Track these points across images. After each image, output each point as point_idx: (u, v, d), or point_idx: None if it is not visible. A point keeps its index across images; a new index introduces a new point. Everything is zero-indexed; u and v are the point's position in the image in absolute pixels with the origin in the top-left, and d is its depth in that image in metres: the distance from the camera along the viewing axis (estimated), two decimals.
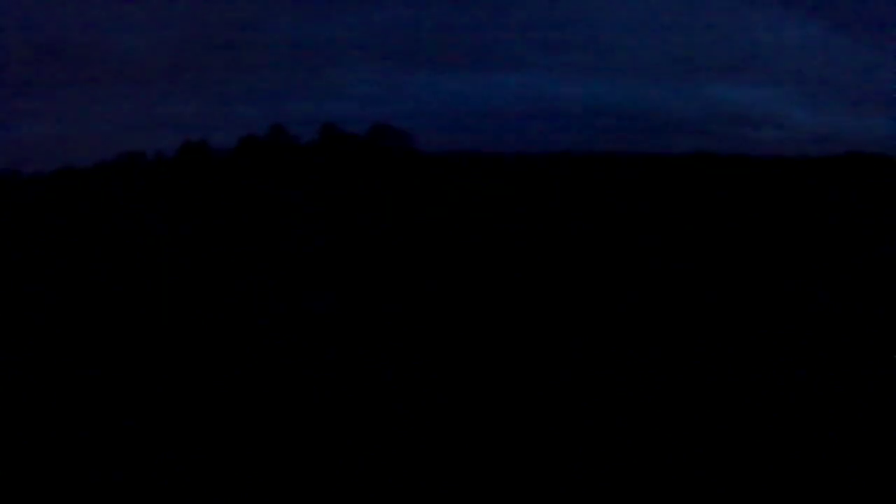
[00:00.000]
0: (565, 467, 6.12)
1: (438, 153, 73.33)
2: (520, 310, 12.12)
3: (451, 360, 9.32)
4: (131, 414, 7.31)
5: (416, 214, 31.51)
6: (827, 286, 13.82)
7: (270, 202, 42.73)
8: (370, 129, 67.47)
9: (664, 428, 6.98)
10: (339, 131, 66.05)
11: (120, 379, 8.52)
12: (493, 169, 72.69)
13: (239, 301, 13.04)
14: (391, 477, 5.96)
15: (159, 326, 11.26)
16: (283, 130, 65.97)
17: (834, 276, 14.95)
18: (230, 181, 52.98)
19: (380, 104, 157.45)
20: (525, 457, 6.32)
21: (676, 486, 5.82)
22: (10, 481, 5.92)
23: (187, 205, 44.36)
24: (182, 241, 22.92)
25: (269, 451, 6.44)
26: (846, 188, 52.66)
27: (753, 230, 23.14)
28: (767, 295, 12.96)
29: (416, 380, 8.48)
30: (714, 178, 64.53)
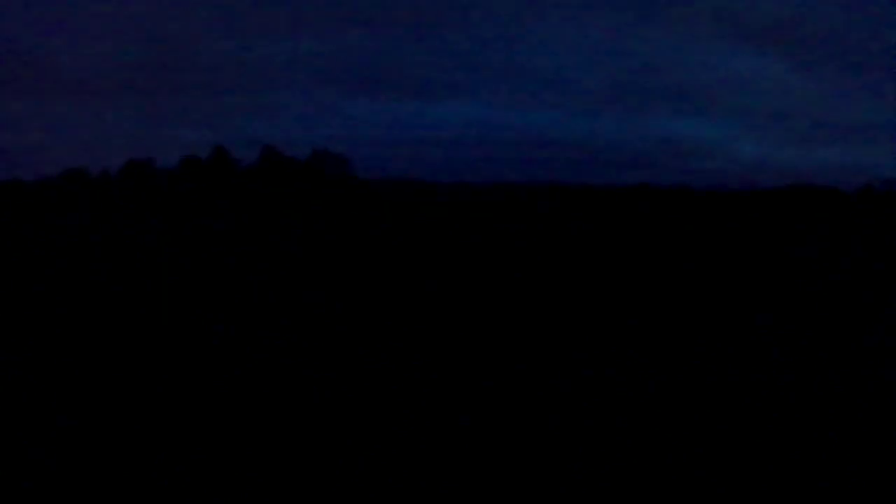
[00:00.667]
0: (565, 467, 6.18)
1: (376, 179, 75.53)
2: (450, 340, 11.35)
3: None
4: (131, 413, 7.39)
5: (351, 239, 31.69)
6: (770, 314, 13.70)
7: (211, 224, 43.83)
8: (310, 153, 69.36)
9: (664, 428, 7.08)
10: (280, 155, 67.77)
11: (114, 381, 8.56)
12: (430, 197, 73.26)
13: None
14: (391, 477, 6.00)
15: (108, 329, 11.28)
16: (224, 152, 67.19)
17: (778, 305, 14.79)
18: (174, 201, 54.30)
19: (319, 128, 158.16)
20: (525, 457, 6.41)
21: (676, 486, 5.86)
22: (11, 481, 5.92)
23: (129, 221, 45.00)
24: (119, 254, 23.11)
25: (268, 451, 6.50)
26: (791, 219, 53.08)
27: (696, 261, 23.26)
28: (708, 323, 12.78)
29: (416, 380, 8.61)
30: (657, 210, 63.87)
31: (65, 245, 27.77)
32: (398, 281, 17.97)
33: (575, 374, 9.16)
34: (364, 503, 5.61)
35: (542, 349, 10.55)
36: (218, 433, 6.94)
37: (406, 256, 24.19)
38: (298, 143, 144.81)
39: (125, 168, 74.53)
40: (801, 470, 6.18)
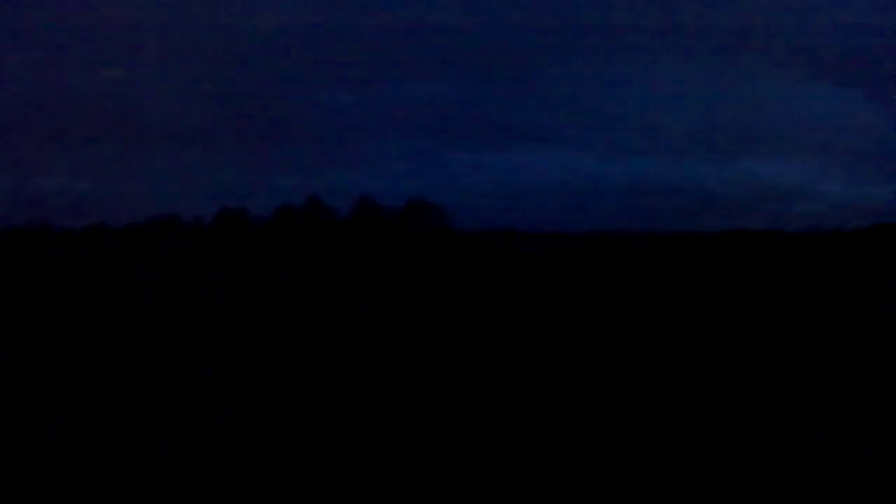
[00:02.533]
0: (565, 467, 6.20)
1: (473, 230, 73.74)
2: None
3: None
4: (131, 413, 7.49)
5: (451, 289, 31.59)
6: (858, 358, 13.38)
7: (306, 276, 42.91)
8: (406, 204, 68.17)
9: (664, 428, 7.12)
10: (375, 205, 66.85)
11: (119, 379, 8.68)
12: (530, 247, 73.28)
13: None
14: (391, 477, 6.02)
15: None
16: (319, 202, 66.94)
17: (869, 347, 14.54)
18: (267, 251, 53.42)
19: (414, 178, 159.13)
20: (525, 457, 6.40)
21: (676, 486, 5.88)
22: (10, 481, 5.98)
23: (222, 271, 44.82)
24: (212, 306, 23.08)
25: (269, 450, 6.53)
26: (875, 260, 51.86)
27: (794, 306, 22.76)
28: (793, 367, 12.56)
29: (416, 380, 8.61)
30: (752, 255, 65.99)
31: (156, 290, 28.38)
32: (497, 328, 17.93)
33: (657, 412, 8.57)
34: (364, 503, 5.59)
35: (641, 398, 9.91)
36: (218, 432, 6.82)
37: (505, 306, 24.26)
38: (394, 193, 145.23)
39: (219, 216, 74.73)
40: (801, 470, 6.23)
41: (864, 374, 11.75)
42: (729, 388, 11.32)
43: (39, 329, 16.18)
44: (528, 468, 6.17)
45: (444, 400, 9.11)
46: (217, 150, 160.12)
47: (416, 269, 47.35)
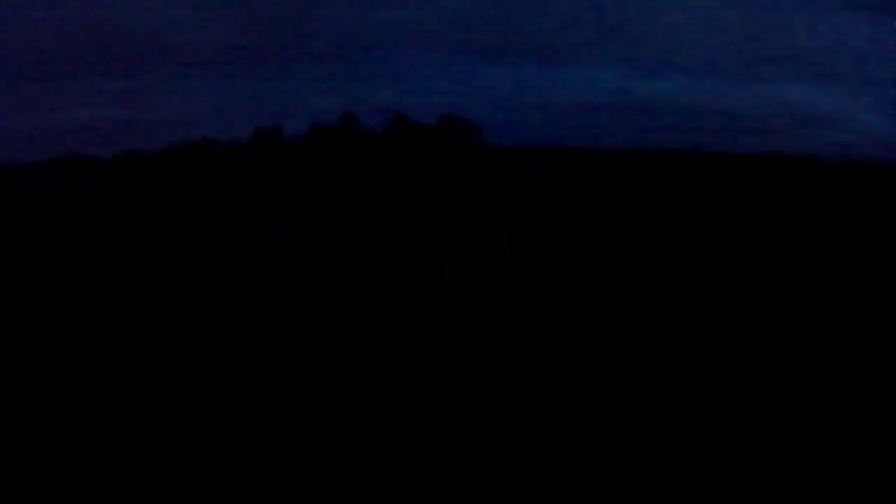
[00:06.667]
0: (565, 467, 6.12)
1: (506, 146, 73.31)
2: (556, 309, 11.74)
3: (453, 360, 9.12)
4: (131, 413, 7.30)
5: (486, 205, 31.71)
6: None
7: (343, 190, 43.25)
8: (440, 119, 67.87)
9: (664, 428, 7.00)
10: (410, 121, 66.58)
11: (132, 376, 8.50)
12: (560, 163, 72.47)
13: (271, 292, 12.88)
14: (391, 477, 5.93)
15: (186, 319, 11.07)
16: (354, 119, 66.81)
17: None
18: (304, 169, 53.86)
19: (446, 94, 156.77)
20: (525, 457, 6.30)
21: (676, 486, 5.82)
22: (10, 481, 5.88)
23: (261, 188, 45.11)
24: (255, 227, 23.30)
25: (268, 450, 6.42)
26: None
27: (825, 234, 22.88)
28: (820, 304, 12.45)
29: (417, 380, 8.48)
30: (785, 180, 63.32)
31: (200, 212, 29.22)
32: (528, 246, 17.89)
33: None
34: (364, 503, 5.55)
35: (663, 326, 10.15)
36: (218, 432, 6.75)
37: (537, 223, 24.20)
38: (427, 109, 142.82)
39: (254, 136, 74.85)
40: (802, 470, 6.07)
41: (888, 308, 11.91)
42: (756, 308, 11.54)
43: (72, 266, 15.87)
44: (528, 468, 6.19)
45: (471, 325, 9.40)
46: (250, 71, 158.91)
47: (451, 184, 47.39)
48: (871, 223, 28.69)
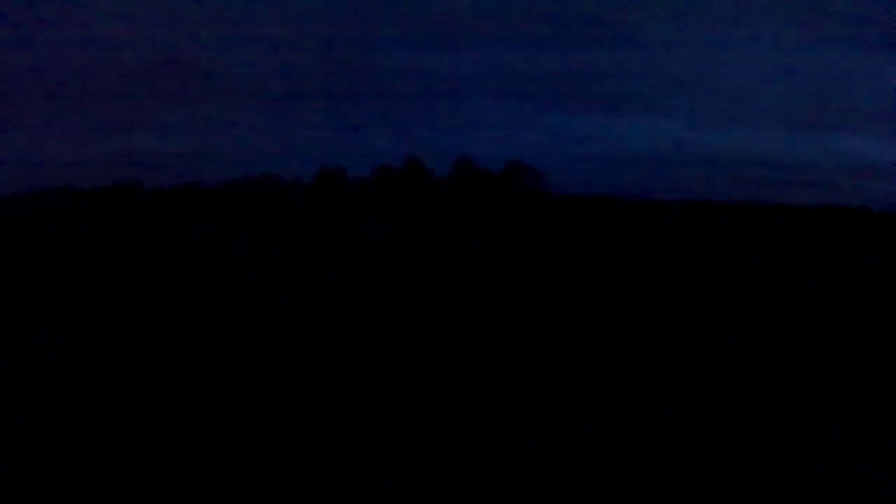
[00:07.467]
0: (565, 467, 6.21)
1: (567, 193, 73.36)
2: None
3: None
4: (131, 413, 7.37)
5: (547, 252, 31.70)
6: None
7: (407, 237, 43.56)
8: (504, 166, 68.22)
9: (664, 428, 7.10)
10: (474, 167, 67.01)
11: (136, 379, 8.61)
12: (623, 213, 72.29)
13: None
14: (391, 477, 5.97)
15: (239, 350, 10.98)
16: (418, 163, 67.47)
17: None
18: (368, 211, 54.45)
19: (510, 142, 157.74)
20: (525, 457, 6.38)
21: (677, 486, 5.88)
22: (10, 481, 5.90)
23: (323, 228, 45.61)
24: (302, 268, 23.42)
25: (268, 450, 6.47)
26: None
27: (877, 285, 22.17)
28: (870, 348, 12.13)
29: (417, 380, 8.62)
30: (839, 231, 63.49)
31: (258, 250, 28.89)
32: (587, 291, 17.88)
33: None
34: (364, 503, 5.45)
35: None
36: (218, 432, 6.72)
37: (596, 270, 24.38)
38: (492, 155, 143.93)
39: (319, 175, 76.05)
40: (802, 470, 6.07)
41: None
42: (818, 353, 11.10)
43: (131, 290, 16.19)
44: (528, 469, 6.26)
45: (537, 356, 9.29)
46: (314, 111, 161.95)
47: (517, 231, 47.56)
48: None
